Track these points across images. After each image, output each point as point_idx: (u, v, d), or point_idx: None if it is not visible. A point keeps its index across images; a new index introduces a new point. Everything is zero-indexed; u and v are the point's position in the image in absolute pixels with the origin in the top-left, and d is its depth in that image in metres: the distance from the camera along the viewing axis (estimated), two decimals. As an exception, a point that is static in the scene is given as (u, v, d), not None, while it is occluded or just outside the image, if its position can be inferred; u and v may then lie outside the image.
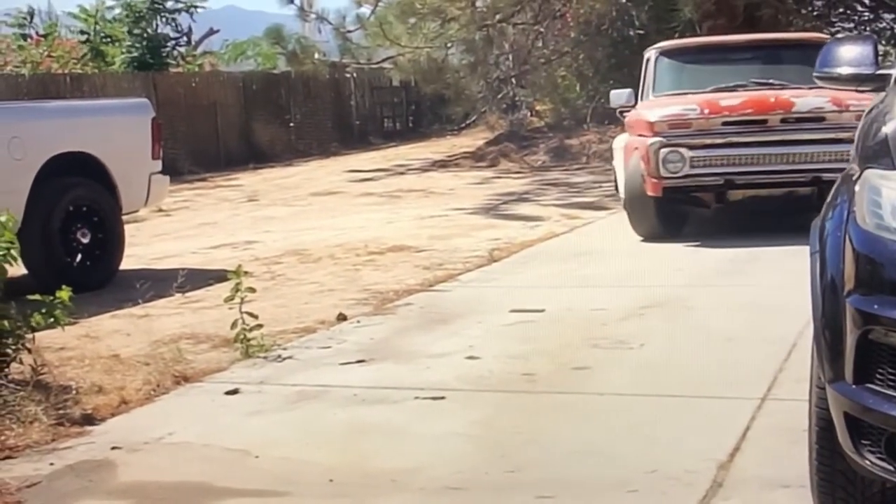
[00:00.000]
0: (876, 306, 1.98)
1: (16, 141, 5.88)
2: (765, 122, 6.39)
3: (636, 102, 7.44)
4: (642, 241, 7.04)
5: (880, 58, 2.80)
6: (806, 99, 6.33)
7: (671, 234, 6.60)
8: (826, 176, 5.87)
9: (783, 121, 6.38)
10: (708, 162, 6.36)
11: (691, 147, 6.34)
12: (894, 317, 1.95)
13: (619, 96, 7.57)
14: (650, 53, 7.57)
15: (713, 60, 7.42)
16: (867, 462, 2.01)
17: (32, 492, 2.96)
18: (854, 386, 2.02)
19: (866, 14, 14.44)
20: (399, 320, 4.96)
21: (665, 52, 7.39)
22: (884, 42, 12.36)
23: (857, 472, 2.11)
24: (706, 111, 6.50)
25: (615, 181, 8.15)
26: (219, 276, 5.62)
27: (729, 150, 6.36)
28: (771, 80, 6.94)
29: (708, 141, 6.38)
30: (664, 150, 6.33)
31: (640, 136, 6.75)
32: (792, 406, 3.03)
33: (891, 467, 1.99)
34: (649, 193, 6.49)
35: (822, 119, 6.25)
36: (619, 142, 8.16)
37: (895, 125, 2.17)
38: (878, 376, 2.00)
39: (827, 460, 2.21)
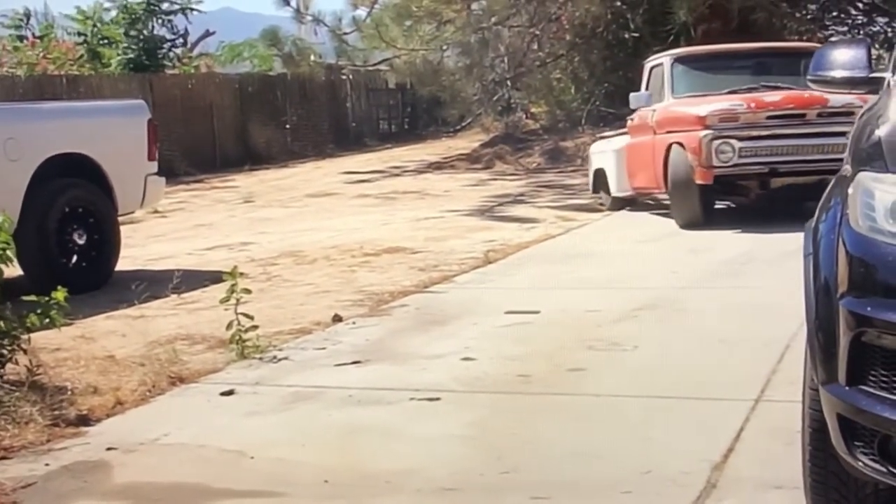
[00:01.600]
0: (869, 308, 1.98)
1: (12, 142, 5.88)
2: (804, 115, 7.07)
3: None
4: (639, 241, 7.08)
5: (874, 61, 2.82)
6: (838, 96, 6.69)
7: (707, 223, 7.27)
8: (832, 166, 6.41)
9: (819, 115, 7.03)
10: (754, 152, 7.02)
11: (740, 138, 7.00)
12: (887, 319, 1.96)
13: (637, 98, 8.32)
14: (662, 60, 8.33)
15: (723, 66, 8.18)
16: (860, 463, 2.02)
17: (28, 492, 2.95)
18: (847, 388, 2.02)
19: (860, 18, 14.49)
20: (394, 321, 4.96)
21: (679, 59, 8.18)
22: (877, 46, 12.41)
23: (850, 473, 2.11)
24: (752, 106, 7.19)
25: (599, 183, 9.08)
26: (214, 278, 5.61)
27: (772, 142, 7.03)
28: (779, 84, 7.69)
29: (754, 133, 7.05)
30: (717, 142, 6.98)
31: (684, 130, 7.32)
32: (785, 407, 3.04)
33: (884, 469, 1.99)
34: (699, 182, 7.11)
35: (852, 114, 6.74)
36: (609, 144, 9.06)
37: (888, 128, 2.19)
38: (871, 378, 2.01)
39: (820, 462, 2.21)
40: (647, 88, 8.46)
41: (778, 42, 8.98)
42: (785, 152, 7.02)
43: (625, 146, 8.66)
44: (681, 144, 7.29)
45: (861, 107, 6.70)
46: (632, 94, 8.40)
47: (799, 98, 7.14)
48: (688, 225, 7.30)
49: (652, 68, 8.56)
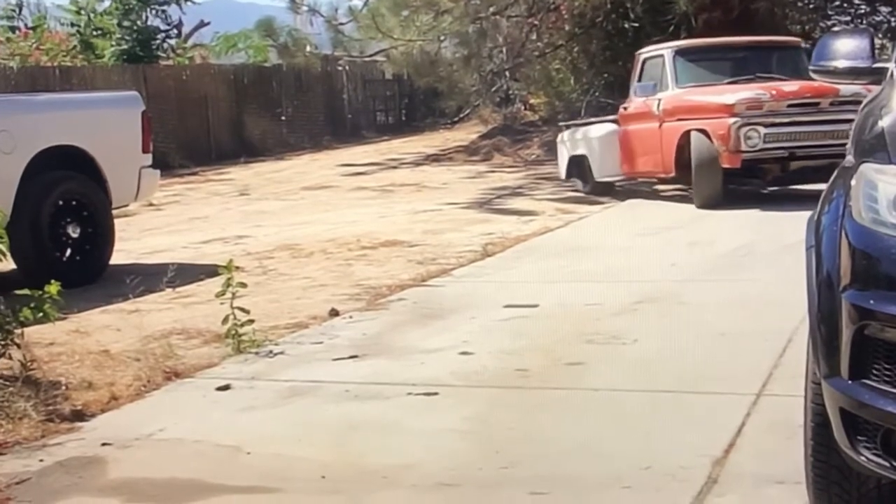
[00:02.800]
0: (872, 301, 1.97)
1: (4, 134, 5.83)
2: (818, 104, 7.67)
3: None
4: (639, 234, 7.06)
5: (877, 51, 2.78)
6: (847, 86, 7.33)
7: (726, 204, 7.82)
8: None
9: (832, 104, 7.60)
10: (777, 138, 7.64)
11: (765, 125, 7.62)
12: (890, 312, 1.94)
13: (644, 88, 8.89)
14: (661, 52, 8.92)
15: (719, 58, 8.87)
16: (863, 458, 2.00)
17: (22, 488, 2.93)
18: (850, 381, 2.01)
19: (863, 7, 14.44)
20: (392, 315, 4.93)
21: (679, 52, 8.78)
22: (880, 35, 12.37)
23: (852, 468, 2.10)
24: (774, 94, 7.82)
25: (576, 169, 9.74)
26: (210, 271, 5.58)
27: (792, 128, 7.65)
28: (773, 74, 8.45)
29: (777, 120, 7.66)
30: (745, 128, 7.56)
31: (707, 118, 7.88)
32: (787, 402, 3.01)
33: (886, 463, 1.98)
34: (726, 165, 7.71)
35: (860, 102, 7.60)
36: (589, 132, 9.65)
37: (892, 119, 2.16)
38: (873, 372, 1.99)
39: (822, 456, 2.20)
40: (640, 79, 9.04)
41: (763, 37, 9.56)
42: (802, 138, 7.61)
43: (616, 133, 9.27)
44: (702, 131, 7.85)
45: (866, 95, 7.65)
46: (637, 84, 8.95)
47: (814, 88, 7.50)
48: (707, 205, 7.82)
49: (646, 60, 9.10)
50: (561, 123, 10.90)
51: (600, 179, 9.39)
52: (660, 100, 8.51)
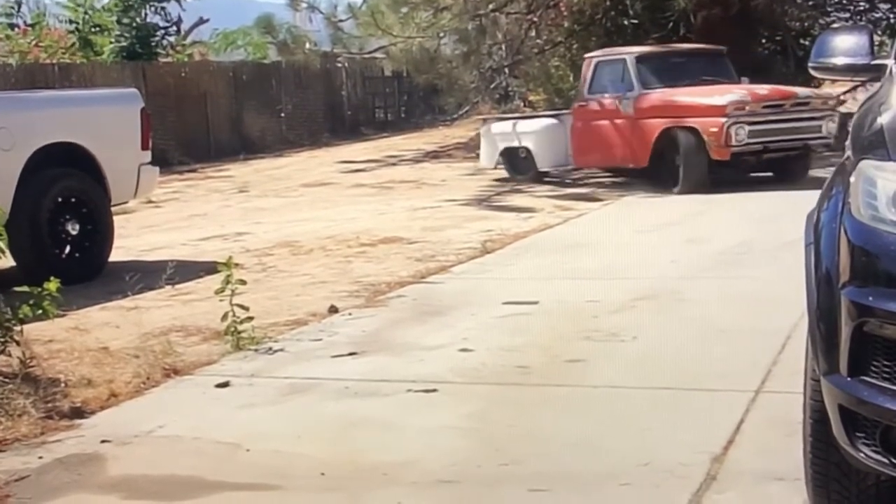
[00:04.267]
0: (871, 298, 1.96)
1: (3, 131, 5.82)
2: (783, 105, 9.10)
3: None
4: (638, 231, 7.06)
5: (876, 48, 2.78)
6: (803, 90, 9.39)
7: (708, 191, 8.88)
8: (810, 143, 9.15)
9: (792, 105, 9.10)
10: (756, 134, 8.86)
11: (749, 123, 8.83)
12: (889, 309, 1.94)
13: (613, 88, 9.91)
14: (622, 57, 10.01)
15: (671, 63, 10.09)
16: (862, 455, 2.00)
17: (21, 485, 2.93)
18: (849, 378, 2.00)
19: (862, 4, 14.41)
20: (391, 312, 4.93)
21: (640, 58, 9.95)
22: (879, 32, 12.35)
23: (851, 464, 2.10)
24: (752, 97, 9.08)
25: (514, 160, 10.72)
26: (209, 268, 5.57)
27: (766, 126, 8.92)
28: (712, 77, 9.76)
29: (756, 119, 8.90)
30: (735, 126, 8.77)
31: (696, 116, 9.01)
32: (786, 398, 3.01)
33: (885, 460, 1.98)
34: (716, 158, 8.87)
35: (808, 104, 9.21)
36: (529, 125, 10.68)
37: (891, 115, 2.16)
38: (872, 368, 1.99)
39: (821, 453, 2.20)
40: (591, 81, 10.19)
41: (702, 45, 10.82)
42: (773, 133, 8.95)
43: (557, 127, 10.43)
44: (689, 128, 8.99)
45: (814, 98, 8.51)
46: (617, 85, 9.89)
47: (779, 91, 9.28)
48: (694, 190, 8.83)
49: (599, 63, 10.24)
50: (480, 117, 11.90)
51: (543, 169, 10.50)
52: (629, 99, 9.57)
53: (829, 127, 9.07)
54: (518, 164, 10.70)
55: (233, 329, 4.28)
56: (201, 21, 20.81)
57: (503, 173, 11.01)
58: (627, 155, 9.64)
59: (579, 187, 9.96)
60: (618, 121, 9.70)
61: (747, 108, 8.88)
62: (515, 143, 10.64)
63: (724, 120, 8.77)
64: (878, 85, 2.51)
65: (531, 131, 10.56)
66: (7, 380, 3.61)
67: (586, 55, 10.80)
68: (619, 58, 10.03)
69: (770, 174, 9.33)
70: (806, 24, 14.31)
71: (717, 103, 8.97)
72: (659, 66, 9.88)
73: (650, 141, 9.27)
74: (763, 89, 9.31)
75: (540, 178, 10.50)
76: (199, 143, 16.50)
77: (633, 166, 9.68)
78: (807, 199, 2.52)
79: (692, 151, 8.95)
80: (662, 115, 9.27)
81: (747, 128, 8.75)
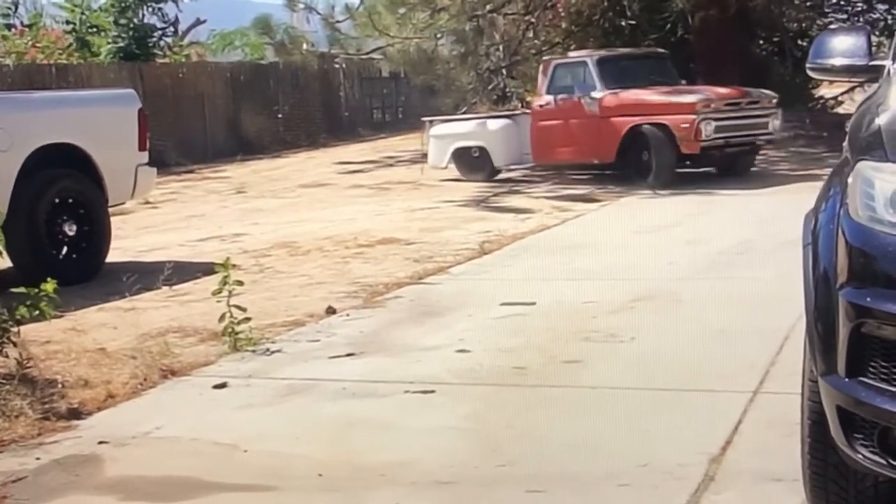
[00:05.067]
0: (869, 299, 1.96)
1: (0, 132, 5.81)
2: (740, 103, 9.95)
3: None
4: (636, 232, 7.07)
5: (874, 49, 2.78)
6: (753, 90, 10.31)
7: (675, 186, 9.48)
8: (757, 140, 10.14)
9: (747, 103, 9.99)
10: (721, 129, 9.61)
11: (715, 119, 9.58)
12: (887, 310, 1.94)
13: (584, 87, 10.44)
14: (583, 59, 10.60)
15: (625, 66, 10.69)
16: (860, 456, 2.00)
17: (18, 486, 2.92)
18: (847, 379, 2.00)
19: (860, 5, 14.44)
20: (389, 313, 4.93)
21: (600, 60, 10.49)
22: (877, 33, 12.37)
23: (849, 465, 2.10)
24: (715, 96, 9.84)
25: (466, 159, 11.16)
26: (206, 269, 5.56)
27: (728, 122, 9.70)
28: (660, 79, 10.51)
29: (720, 116, 9.67)
30: (704, 122, 9.50)
31: (667, 114, 9.66)
32: (784, 399, 3.02)
33: (883, 461, 1.98)
34: (686, 152, 9.59)
35: (759, 102, 10.11)
36: (482, 125, 11.18)
37: (889, 117, 2.16)
38: (870, 369, 1.99)
39: (819, 454, 2.19)
40: (550, 83, 10.66)
41: (650, 49, 11.79)
42: (732, 129, 9.72)
43: (512, 126, 10.91)
44: (659, 125, 9.65)
45: (762, 97, 9.36)
46: (578, 85, 10.40)
47: (738, 91, 10.15)
48: (665, 186, 9.39)
49: (558, 65, 10.76)
50: (424, 119, 12.27)
51: (500, 167, 10.99)
52: (594, 98, 10.11)
53: (775, 124, 10.08)
54: (470, 164, 11.13)
55: (230, 330, 4.28)
56: (198, 22, 20.79)
57: (446, 174, 11.39)
58: (593, 151, 10.18)
59: (577, 188, 9.96)
60: (582, 119, 10.25)
61: (712, 105, 9.64)
62: (468, 143, 11.08)
63: (694, 117, 9.49)
64: (875, 86, 2.52)
65: (487, 131, 11.02)
66: (4, 381, 3.61)
67: (544, 58, 11.58)
68: (580, 60, 10.65)
69: (712, 169, 10.07)
70: (804, 25, 14.32)
71: (687, 101, 9.72)
72: (615, 68, 10.45)
73: (618, 137, 9.87)
74: (722, 89, 10.12)
75: (495, 175, 11.05)
76: (196, 143, 16.48)
77: (599, 162, 10.25)
78: (804, 201, 2.52)
79: (663, 146, 9.62)
80: (630, 113, 9.88)
81: (714, 123, 9.50)
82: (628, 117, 9.89)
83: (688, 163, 9.84)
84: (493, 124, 11.20)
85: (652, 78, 10.48)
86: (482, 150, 10.98)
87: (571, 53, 11.42)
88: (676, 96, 9.98)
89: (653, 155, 9.67)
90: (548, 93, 10.71)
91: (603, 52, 11.04)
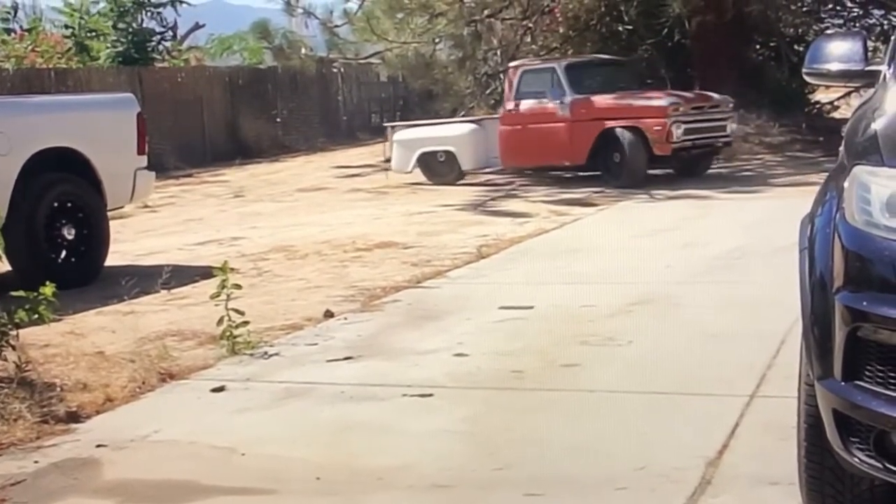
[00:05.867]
0: (865, 303, 1.97)
1: (0, 136, 5.81)
2: (703, 107, 10.58)
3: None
4: (633, 236, 7.09)
5: (870, 54, 2.79)
6: (714, 95, 10.87)
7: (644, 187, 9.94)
8: (716, 142, 10.69)
9: (709, 107, 10.63)
10: (689, 132, 10.24)
11: (684, 122, 10.17)
12: (883, 314, 1.94)
13: (555, 94, 10.79)
14: (551, 66, 11.08)
15: (590, 72, 11.20)
16: (856, 459, 2.01)
17: (17, 490, 2.92)
18: (843, 383, 2.01)
19: (856, 10, 14.47)
20: (387, 317, 4.94)
21: (568, 66, 10.98)
22: (873, 38, 12.40)
23: (845, 469, 2.10)
24: (683, 100, 10.49)
25: (432, 164, 11.44)
26: (205, 273, 5.57)
27: (693, 125, 10.31)
28: (625, 84, 11.04)
29: (688, 119, 10.28)
30: (675, 125, 10.06)
31: (640, 118, 10.22)
32: (781, 403, 3.03)
33: (879, 464, 1.98)
34: (658, 153, 10.11)
35: (719, 106, 10.73)
36: (447, 129, 11.49)
37: (885, 121, 2.17)
38: (866, 373, 1.99)
39: (816, 457, 2.20)
40: (517, 88, 10.99)
41: (615, 56, 12.29)
42: (698, 132, 10.32)
43: (478, 131, 11.26)
44: (631, 127, 10.14)
45: (721, 101, 9.90)
46: (549, 91, 10.78)
47: (701, 96, 10.88)
48: (635, 186, 9.86)
49: (525, 72, 11.09)
50: (386, 125, 12.73)
51: (468, 170, 11.36)
52: (565, 103, 10.54)
53: (732, 127, 10.73)
54: (435, 168, 11.45)
55: (228, 333, 4.28)
56: (197, 26, 20.81)
57: (410, 178, 11.56)
58: (565, 153, 10.60)
59: (574, 192, 9.98)
60: (553, 123, 10.64)
61: (681, 109, 10.22)
62: (435, 148, 11.38)
63: (666, 119, 10.04)
64: (872, 91, 2.53)
65: (454, 136, 11.39)
66: (3, 384, 3.61)
67: (511, 64, 11.78)
68: (548, 67, 11.13)
69: (671, 171, 10.57)
70: (800, 30, 14.36)
71: (659, 104, 10.31)
72: (582, 74, 10.93)
73: (590, 140, 10.33)
74: (688, 94, 10.90)
75: (460, 178, 11.43)
76: (195, 147, 16.49)
77: (570, 163, 10.71)
78: (801, 205, 2.53)
79: (636, 148, 10.12)
80: (602, 116, 10.37)
81: (683, 126, 10.09)
82: (600, 121, 10.34)
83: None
84: (461, 129, 11.53)
85: (615, 84, 10.95)
86: (449, 154, 11.30)
87: (537, 60, 11.96)
88: (648, 100, 10.51)
89: (626, 156, 10.15)
90: (516, 98, 11.05)
91: (570, 59, 11.62)
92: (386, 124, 12.83)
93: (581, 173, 10.73)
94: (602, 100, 10.56)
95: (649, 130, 10.08)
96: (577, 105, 10.53)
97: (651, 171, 10.29)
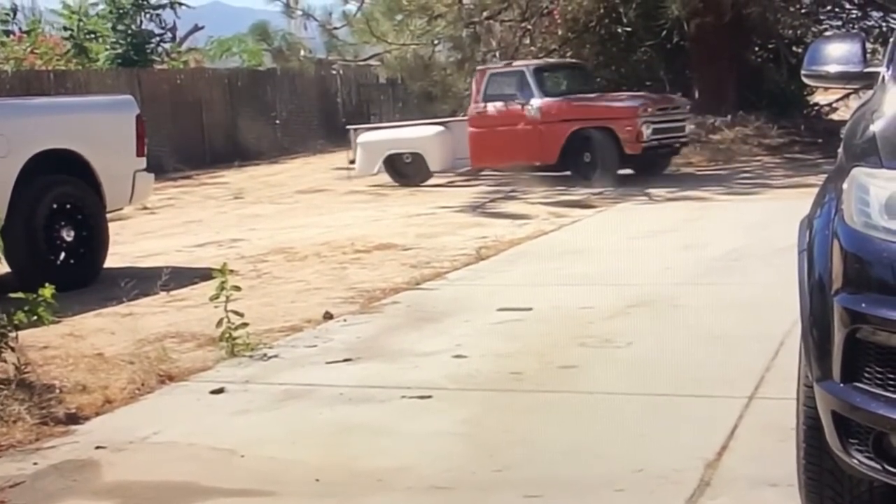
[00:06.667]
0: (863, 305, 1.97)
1: (-1, 138, 5.82)
2: (667, 108, 11.09)
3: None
4: (632, 237, 7.09)
5: (868, 56, 2.79)
6: (675, 97, 11.81)
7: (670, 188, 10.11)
8: (677, 142, 11.18)
9: (671, 108, 11.14)
10: (655, 132, 10.65)
11: (653, 123, 10.62)
12: (882, 315, 1.94)
13: (527, 95, 11.09)
14: (519, 69, 11.35)
15: (555, 75, 11.71)
16: (855, 461, 2.01)
17: (16, 491, 2.92)
18: (842, 384, 2.01)
19: (854, 12, 14.49)
20: (386, 319, 4.94)
21: (536, 70, 11.34)
22: (872, 40, 12.42)
23: (844, 470, 2.10)
24: (650, 102, 11.02)
25: (399, 166, 11.76)
26: (204, 275, 5.58)
27: (660, 125, 10.74)
28: (586, 87, 11.58)
29: (655, 119, 10.71)
30: (645, 125, 10.50)
31: (611, 118, 10.62)
32: (780, 404, 3.03)
33: (878, 466, 1.99)
34: (630, 153, 10.50)
35: (679, 108, 11.30)
36: (416, 131, 11.77)
37: (883, 123, 2.17)
38: (865, 375, 1.99)
39: (815, 459, 2.20)
40: (485, 91, 11.24)
41: (580, 61, 13.01)
42: (663, 132, 10.76)
43: (446, 133, 11.52)
44: (603, 128, 10.51)
45: (682, 103, 10.41)
46: (519, 94, 11.08)
47: (664, 98, 11.61)
48: (610, 185, 10.13)
49: (493, 75, 11.38)
50: (349, 127, 12.94)
51: (436, 171, 11.60)
52: (534, 105, 10.86)
53: (690, 128, 11.39)
54: (402, 169, 11.72)
55: (228, 335, 4.28)
56: (196, 28, 20.82)
57: (376, 179, 11.81)
58: (536, 154, 10.87)
59: (573, 194, 9.99)
60: (523, 124, 10.93)
61: (650, 110, 10.64)
62: (402, 150, 11.66)
63: (637, 120, 10.43)
64: (870, 93, 2.53)
65: (422, 137, 11.66)
66: (2, 386, 3.61)
67: (478, 67, 12.09)
68: (516, 70, 11.41)
69: (631, 171, 10.80)
70: (799, 32, 14.37)
71: (630, 105, 10.74)
72: (547, 78, 11.31)
73: (560, 141, 10.66)
74: (653, 96, 11.51)
75: (427, 179, 11.69)
76: (194, 149, 16.49)
77: (541, 163, 10.92)
78: (800, 207, 2.53)
79: (607, 148, 10.47)
80: (572, 117, 10.71)
81: (652, 126, 10.49)
82: (570, 122, 10.69)
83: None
84: (428, 131, 11.77)
85: (578, 86, 11.48)
86: (416, 156, 11.55)
87: (500, 64, 12.25)
88: (619, 102, 10.95)
89: (597, 156, 10.51)
90: (484, 100, 11.27)
91: (537, 63, 12.01)
92: (349, 127, 13.08)
93: (550, 173, 10.93)
94: (573, 101, 10.90)
95: (620, 130, 10.42)
96: (547, 107, 10.86)
97: (621, 172, 10.60)
